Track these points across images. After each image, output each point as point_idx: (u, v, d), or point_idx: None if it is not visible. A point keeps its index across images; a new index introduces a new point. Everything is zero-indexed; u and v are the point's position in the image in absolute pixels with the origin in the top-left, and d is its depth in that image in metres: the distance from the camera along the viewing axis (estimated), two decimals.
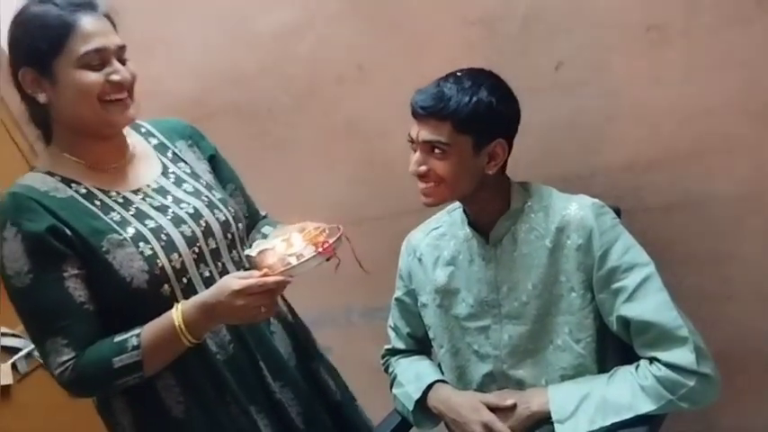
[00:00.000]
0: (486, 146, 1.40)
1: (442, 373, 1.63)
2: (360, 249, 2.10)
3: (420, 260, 1.63)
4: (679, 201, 1.61)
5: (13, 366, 2.31)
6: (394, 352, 1.76)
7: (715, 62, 1.47)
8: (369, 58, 1.87)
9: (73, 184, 1.30)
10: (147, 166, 1.41)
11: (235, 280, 1.23)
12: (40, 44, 1.24)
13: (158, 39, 2.14)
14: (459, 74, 1.42)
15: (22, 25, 1.28)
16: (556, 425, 1.37)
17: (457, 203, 1.58)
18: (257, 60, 2.03)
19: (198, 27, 2.09)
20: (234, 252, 1.43)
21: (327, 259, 1.27)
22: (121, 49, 1.32)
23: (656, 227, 1.63)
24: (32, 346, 1.87)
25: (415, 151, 1.44)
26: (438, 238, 1.62)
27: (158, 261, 1.29)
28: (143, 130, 1.47)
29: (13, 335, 2.22)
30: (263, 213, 1.66)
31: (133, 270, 1.26)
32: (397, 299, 1.72)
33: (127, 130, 1.40)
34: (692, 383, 1.30)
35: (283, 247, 1.27)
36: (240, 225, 1.47)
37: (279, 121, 2.09)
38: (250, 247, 1.37)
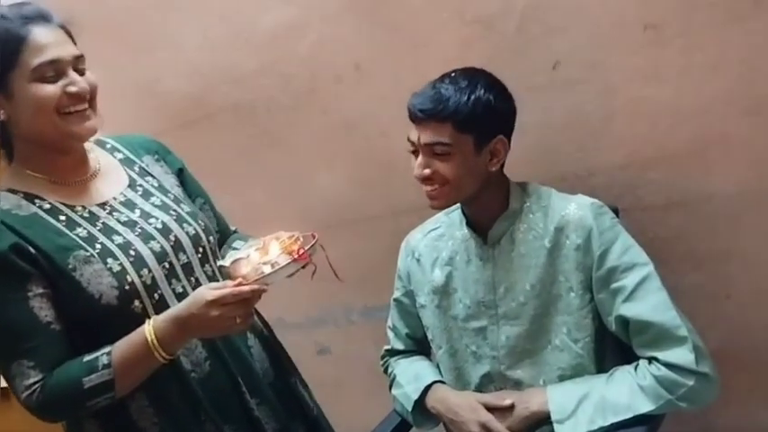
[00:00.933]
0: (487, 143, 1.40)
1: (441, 374, 1.63)
2: (359, 248, 2.12)
3: (418, 261, 1.63)
4: (677, 199, 1.61)
5: None
6: (393, 353, 1.75)
7: (712, 60, 1.47)
8: (367, 58, 1.87)
9: (36, 200, 1.26)
10: (112, 180, 1.37)
11: (208, 290, 1.19)
12: None
13: (157, 38, 2.14)
14: (453, 74, 1.42)
15: None
16: (555, 425, 1.37)
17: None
18: (256, 60, 2.03)
19: (197, 27, 2.09)
20: (207, 266, 1.40)
21: (303, 267, 1.24)
22: (78, 59, 1.27)
23: (655, 225, 1.62)
24: None
25: (417, 155, 1.44)
26: (436, 239, 1.62)
27: (128, 277, 1.25)
28: (108, 145, 1.43)
29: None
30: (233, 228, 1.62)
31: (102, 287, 1.22)
32: (395, 299, 1.72)
33: (90, 146, 1.37)
34: (690, 383, 1.30)
35: (257, 255, 1.24)
36: (211, 238, 1.43)
37: (278, 120, 2.08)
38: (223, 258, 1.36)
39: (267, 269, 1.21)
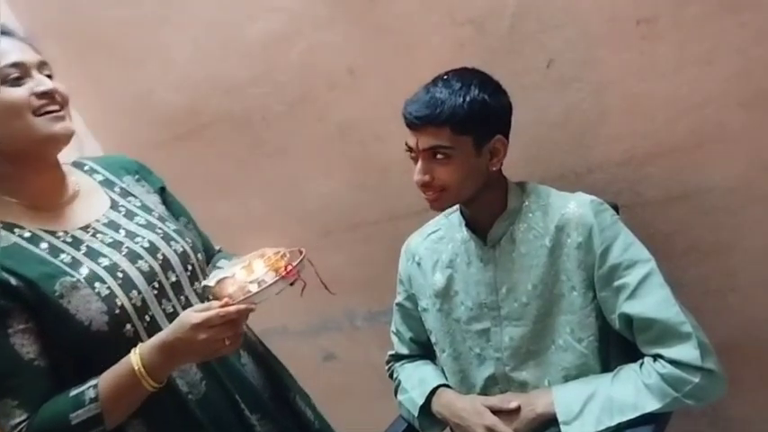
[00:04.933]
0: (486, 143, 1.39)
1: (446, 378, 1.62)
2: (359, 253, 2.11)
3: (419, 264, 1.62)
4: (677, 193, 1.60)
5: None
6: (398, 357, 1.75)
7: (707, 53, 1.45)
8: (359, 63, 1.86)
9: (15, 229, 1.22)
10: (93, 203, 1.34)
11: (194, 314, 1.15)
12: None
13: (149, 52, 2.13)
14: (446, 76, 1.41)
15: None
16: (562, 426, 1.35)
17: (455, 206, 1.57)
18: (248, 69, 2.02)
19: (187, 38, 2.08)
20: (196, 284, 1.37)
21: (291, 284, 1.22)
22: (43, 64, 1.24)
23: (656, 221, 1.62)
24: None
25: (416, 160, 1.42)
26: (436, 242, 1.61)
27: (117, 300, 1.21)
28: (86, 167, 1.40)
29: None
30: (217, 247, 1.59)
31: (91, 312, 1.18)
32: (398, 304, 1.71)
33: (68, 169, 1.34)
34: (696, 380, 1.29)
35: (243, 274, 1.21)
36: (199, 255, 1.41)
37: (273, 128, 2.07)
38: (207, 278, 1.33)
39: (254, 287, 1.18)
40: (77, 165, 1.39)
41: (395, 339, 1.75)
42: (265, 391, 1.44)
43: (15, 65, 1.20)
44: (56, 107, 1.22)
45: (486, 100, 1.37)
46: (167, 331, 1.17)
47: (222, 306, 1.15)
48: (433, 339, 1.64)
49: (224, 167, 2.21)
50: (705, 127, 1.51)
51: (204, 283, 1.27)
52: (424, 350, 1.72)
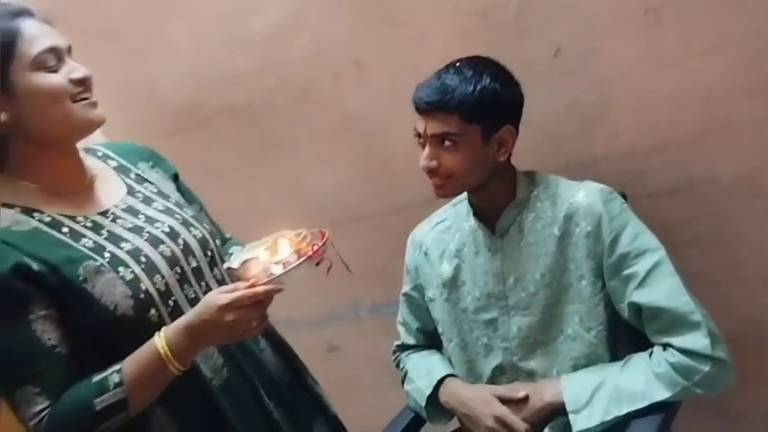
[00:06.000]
0: (495, 133, 1.39)
1: (453, 367, 1.62)
2: (364, 245, 2.11)
3: (426, 254, 1.62)
4: (683, 184, 1.59)
5: None
6: (404, 347, 1.75)
7: (713, 42, 1.45)
8: (364, 53, 1.86)
9: (35, 214, 1.20)
10: (110, 188, 1.32)
11: (220, 295, 1.14)
12: None
13: (153, 44, 2.13)
14: (458, 64, 1.41)
15: None
16: (570, 415, 1.36)
17: (462, 195, 1.57)
18: (252, 61, 2.02)
19: (192, 31, 2.07)
20: (215, 270, 1.36)
21: (317, 264, 1.21)
22: (70, 49, 1.23)
23: (660, 211, 1.61)
24: None
25: (424, 146, 1.42)
26: (443, 232, 1.61)
27: (141, 284, 1.20)
28: (99, 153, 1.38)
29: None
30: (227, 235, 1.58)
31: (116, 297, 1.17)
32: (404, 294, 1.71)
33: (83, 154, 1.33)
34: (706, 368, 1.29)
35: (267, 255, 1.20)
36: (217, 241, 1.40)
37: (277, 120, 2.07)
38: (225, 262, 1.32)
39: (279, 269, 1.17)
40: (90, 151, 1.37)
41: (401, 329, 1.75)
42: (282, 378, 1.44)
43: (52, 50, 1.18)
44: (89, 94, 1.22)
45: (497, 89, 1.37)
46: (192, 313, 1.16)
47: (249, 287, 1.14)
48: (439, 329, 1.64)
49: (228, 159, 2.21)
50: (711, 118, 1.51)
51: (227, 265, 1.25)
52: (430, 340, 1.72)
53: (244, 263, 1.21)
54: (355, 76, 1.89)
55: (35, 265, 1.14)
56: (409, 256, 1.68)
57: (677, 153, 1.57)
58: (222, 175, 2.22)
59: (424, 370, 1.64)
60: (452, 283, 1.57)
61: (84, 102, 1.21)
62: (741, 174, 1.53)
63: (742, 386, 1.38)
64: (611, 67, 1.56)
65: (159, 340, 1.15)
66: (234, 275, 1.22)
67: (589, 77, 1.59)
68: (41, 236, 1.18)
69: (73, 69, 1.20)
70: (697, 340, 1.30)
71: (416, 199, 1.91)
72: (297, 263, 1.17)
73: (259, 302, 1.15)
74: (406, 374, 1.68)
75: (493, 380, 1.54)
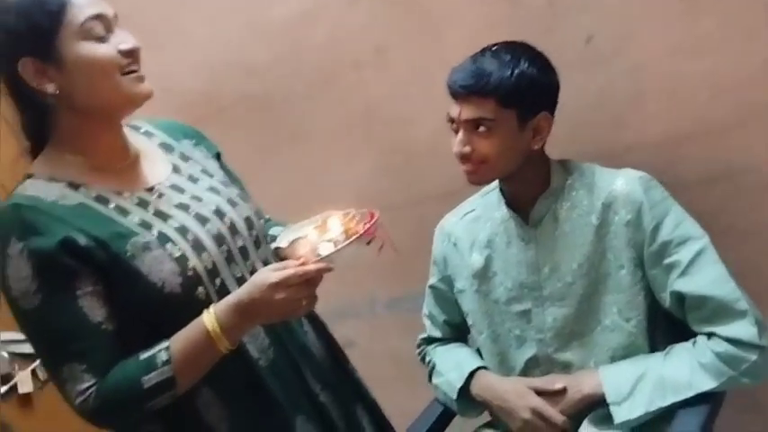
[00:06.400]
0: (530, 120, 1.37)
1: (483, 360, 1.59)
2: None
3: (455, 245, 1.59)
4: (718, 173, 1.56)
5: (33, 373, 2.26)
6: (430, 341, 1.72)
7: (750, 29, 1.42)
8: (387, 41, 1.82)
9: (81, 188, 1.17)
10: (155, 165, 1.29)
11: (271, 273, 1.12)
12: (40, 21, 1.11)
13: (168, 33, 2.09)
14: (494, 48, 1.39)
15: (9, 13, 1.13)
16: (612, 407, 1.33)
17: (492, 185, 1.54)
18: (270, 49, 1.98)
19: (208, 19, 2.04)
20: (260, 250, 1.33)
21: (368, 243, 1.18)
22: (116, 18, 1.20)
23: (694, 201, 1.56)
24: None
25: (457, 132, 1.39)
26: (473, 222, 1.58)
27: (189, 262, 1.17)
28: (142, 130, 1.35)
29: None
30: (266, 216, 1.55)
31: (164, 274, 1.14)
32: (431, 286, 1.68)
33: (127, 130, 1.30)
34: (754, 357, 1.27)
35: (315, 234, 1.19)
36: (262, 222, 1.38)
37: (294, 111, 2.04)
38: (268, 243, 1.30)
39: (328, 247, 1.15)
40: (133, 128, 1.33)
41: (427, 322, 1.72)
42: (326, 362, 1.41)
43: (98, 17, 1.14)
44: (138, 66, 1.18)
45: (534, 75, 1.35)
46: (242, 291, 1.14)
47: (300, 265, 1.12)
48: (469, 321, 1.61)
49: (242, 151, 2.13)
50: (747, 105, 1.48)
51: (275, 244, 1.24)
52: (457, 333, 1.69)
53: (292, 242, 1.19)
54: (376, 64, 1.86)
55: (83, 241, 1.11)
56: (437, 247, 1.64)
57: (712, 141, 1.54)
58: (237, 167, 2.17)
59: (453, 363, 1.61)
60: (483, 274, 1.54)
61: (132, 75, 1.17)
62: None
63: None
64: (645, 54, 1.54)
65: (208, 318, 1.13)
66: (282, 255, 1.20)
67: (622, 64, 1.57)
68: (88, 211, 1.16)
69: (122, 40, 1.16)
70: (744, 329, 1.28)
71: (437, 191, 1.88)
72: (348, 241, 1.14)
73: (309, 281, 1.13)
74: (433, 368, 1.65)
75: (525, 372, 1.51)
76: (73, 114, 1.18)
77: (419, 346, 1.74)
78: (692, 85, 1.52)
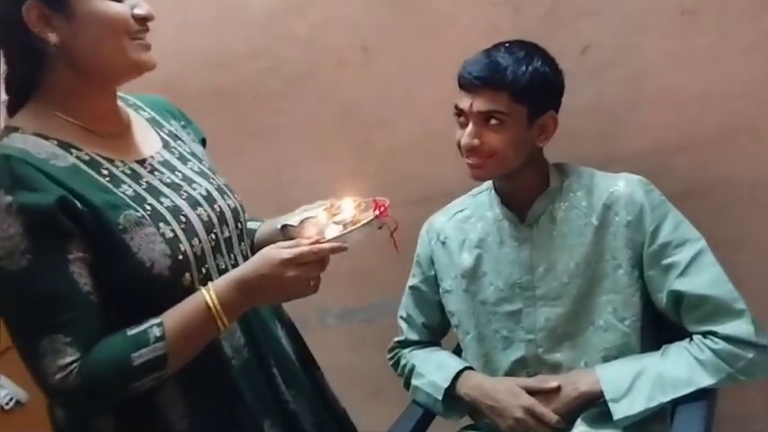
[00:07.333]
0: (539, 117, 1.38)
1: (466, 362, 1.56)
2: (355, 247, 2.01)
3: (444, 244, 1.57)
4: (696, 186, 1.62)
5: None
6: (406, 344, 1.67)
7: (748, 47, 1.50)
8: (375, 40, 1.81)
9: (72, 150, 1.08)
10: (145, 138, 1.22)
11: (282, 250, 1.06)
12: None
13: None
14: (507, 44, 1.40)
15: None
16: (611, 404, 1.33)
17: (484, 185, 1.54)
18: (247, 41, 1.93)
19: (178, 4, 1.95)
20: (242, 244, 1.27)
21: (380, 227, 1.15)
22: None
23: (682, 212, 1.63)
24: None
25: (465, 125, 1.39)
26: (463, 221, 1.57)
27: (181, 245, 1.10)
28: (131, 102, 1.28)
29: None
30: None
31: (154, 254, 1.06)
32: (412, 287, 1.65)
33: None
34: (750, 355, 1.30)
35: (325, 216, 1.17)
36: (246, 215, 1.32)
37: (266, 107, 1.98)
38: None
39: (336, 229, 1.12)
40: (122, 99, 1.24)
41: (404, 325, 1.67)
42: (297, 368, 1.33)
43: None
44: (146, 35, 1.12)
45: (547, 73, 1.37)
46: (246, 268, 1.08)
47: (313, 243, 1.07)
48: (454, 322, 1.58)
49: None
50: (736, 120, 1.55)
51: (285, 222, 1.20)
52: (433, 336, 1.67)
53: (302, 221, 1.17)
54: (361, 63, 1.84)
55: (78, 204, 1.02)
56: (423, 246, 1.62)
57: (697, 155, 1.60)
58: None
59: (435, 364, 1.58)
60: (472, 274, 1.52)
61: (139, 41, 1.11)
62: (758, 177, 1.57)
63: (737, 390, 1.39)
64: (642, 66, 1.59)
65: (207, 294, 1.06)
66: (290, 234, 1.17)
67: (617, 75, 1.61)
68: (82, 174, 1.07)
69: (137, 4, 1.10)
70: (741, 327, 1.31)
71: (410, 197, 1.85)
72: (362, 222, 1.12)
73: (320, 261, 1.09)
74: (412, 370, 1.61)
75: (510, 373, 1.50)
76: (70, 72, 1.10)
77: (392, 349, 1.69)
78: (684, 98, 1.58)
